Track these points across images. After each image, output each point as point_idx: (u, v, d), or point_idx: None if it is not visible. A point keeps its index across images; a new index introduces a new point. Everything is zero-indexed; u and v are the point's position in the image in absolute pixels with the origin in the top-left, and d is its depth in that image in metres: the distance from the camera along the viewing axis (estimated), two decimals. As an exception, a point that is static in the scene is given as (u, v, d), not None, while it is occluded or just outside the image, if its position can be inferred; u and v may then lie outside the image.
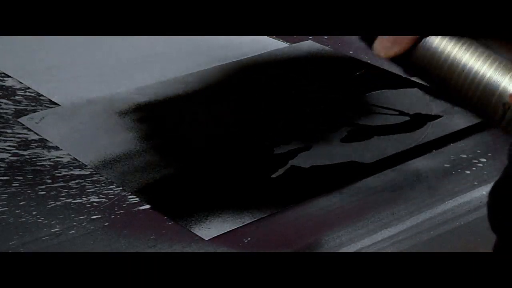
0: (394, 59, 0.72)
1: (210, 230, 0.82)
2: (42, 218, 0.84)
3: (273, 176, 0.91)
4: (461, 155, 0.95)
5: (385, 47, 0.72)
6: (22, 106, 1.05)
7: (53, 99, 1.07)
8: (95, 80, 1.12)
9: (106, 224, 0.83)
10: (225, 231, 0.82)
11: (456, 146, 0.97)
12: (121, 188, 0.88)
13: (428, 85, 0.73)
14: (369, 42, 0.73)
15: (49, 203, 0.86)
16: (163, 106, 1.06)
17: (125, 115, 1.03)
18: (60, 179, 0.90)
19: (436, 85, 0.72)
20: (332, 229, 0.83)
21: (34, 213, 0.84)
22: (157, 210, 0.85)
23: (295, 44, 1.23)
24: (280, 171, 0.92)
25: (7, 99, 1.06)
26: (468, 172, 0.92)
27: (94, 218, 0.84)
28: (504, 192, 0.57)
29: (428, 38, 0.70)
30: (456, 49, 0.69)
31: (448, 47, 0.69)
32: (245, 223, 0.83)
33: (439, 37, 0.69)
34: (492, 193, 0.58)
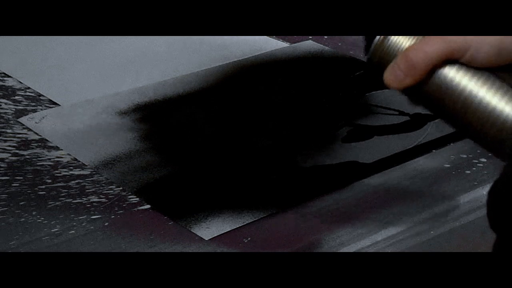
0: (405, 91, 0.70)
1: (210, 230, 0.82)
2: (42, 218, 0.84)
3: (273, 176, 0.91)
4: (461, 155, 0.95)
5: (397, 78, 0.69)
6: (22, 106, 1.05)
7: (53, 99, 1.07)
8: (95, 80, 1.12)
9: (106, 224, 0.83)
10: (225, 231, 0.82)
11: (456, 146, 0.97)
12: (121, 188, 0.88)
13: (439, 118, 0.71)
14: (380, 72, 0.71)
15: (49, 203, 0.86)
16: (163, 106, 1.06)
17: (125, 115, 1.03)
18: (60, 179, 0.90)
19: (449, 118, 0.70)
20: (332, 229, 0.83)
21: (34, 213, 0.84)
22: (157, 210, 0.85)
23: (295, 44, 1.23)
24: (280, 171, 0.92)
25: (7, 99, 1.07)
26: (468, 172, 0.92)
27: (94, 218, 0.84)
28: (504, 190, 0.57)
29: (442, 69, 0.68)
30: (472, 83, 0.67)
31: (463, 81, 0.67)
32: (245, 223, 0.83)
33: (454, 69, 0.67)
34: (491, 192, 0.58)
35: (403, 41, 0.69)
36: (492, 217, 0.57)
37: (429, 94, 0.68)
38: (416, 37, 0.69)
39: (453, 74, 0.67)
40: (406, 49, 0.69)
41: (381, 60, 0.70)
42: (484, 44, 0.66)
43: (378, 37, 0.70)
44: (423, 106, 0.71)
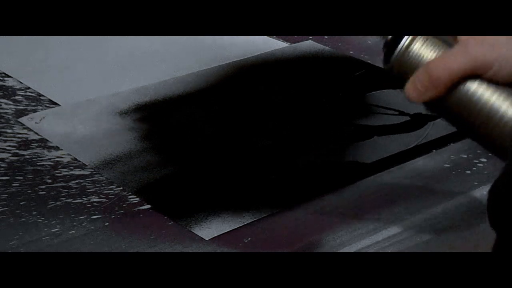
0: (426, 103, 0.70)
1: (210, 230, 0.82)
2: (42, 218, 0.84)
3: (273, 176, 0.91)
4: (461, 155, 0.95)
5: (418, 91, 0.69)
6: (23, 106, 1.05)
7: (53, 99, 1.07)
8: (95, 80, 1.12)
9: (106, 224, 0.83)
10: (225, 231, 0.82)
11: (456, 146, 0.97)
12: (121, 188, 0.88)
13: (459, 131, 0.71)
14: (399, 83, 0.71)
15: (49, 203, 0.86)
16: (163, 106, 1.06)
17: (125, 115, 1.03)
18: (60, 179, 0.90)
19: (469, 132, 0.70)
20: (332, 229, 0.83)
21: (34, 213, 0.84)
22: (157, 210, 0.85)
23: (295, 44, 1.23)
24: (280, 171, 0.92)
25: (7, 99, 1.07)
26: (468, 172, 0.92)
27: (94, 218, 0.84)
28: (504, 189, 0.57)
29: (463, 84, 0.68)
30: (494, 99, 0.67)
31: (484, 96, 0.67)
32: (245, 223, 0.83)
33: (475, 84, 0.67)
34: (492, 190, 0.58)
35: (425, 54, 0.69)
36: (492, 215, 0.57)
37: (449, 107, 0.69)
38: (438, 50, 0.69)
39: (475, 90, 0.67)
40: (428, 62, 0.68)
41: (401, 71, 0.70)
42: (506, 62, 0.66)
43: (399, 47, 0.69)
44: (442, 117, 0.71)
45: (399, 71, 0.70)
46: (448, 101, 0.69)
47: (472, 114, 0.68)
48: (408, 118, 1.03)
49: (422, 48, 0.69)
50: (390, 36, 0.70)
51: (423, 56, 0.69)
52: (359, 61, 1.18)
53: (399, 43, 0.70)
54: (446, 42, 0.69)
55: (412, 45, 0.69)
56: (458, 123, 0.70)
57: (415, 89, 0.69)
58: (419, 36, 0.69)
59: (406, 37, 0.69)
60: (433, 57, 0.69)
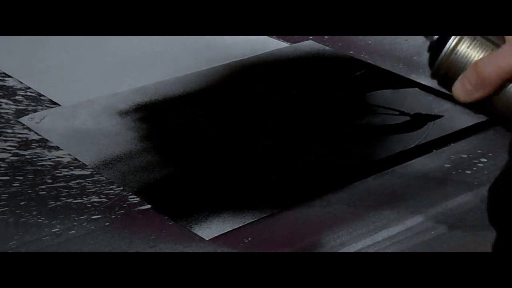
0: (475, 104, 0.69)
1: (210, 230, 0.82)
2: (43, 218, 0.84)
3: (273, 176, 0.91)
4: (461, 155, 0.95)
5: (467, 91, 0.68)
6: (23, 106, 1.05)
7: (53, 99, 1.07)
8: (95, 80, 1.12)
9: (107, 224, 0.83)
10: (225, 231, 0.82)
11: (456, 146, 0.97)
12: (121, 188, 0.88)
13: (508, 130, 0.71)
14: (446, 85, 0.70)
15: (50, 203, 0.86)
16: (163, 106, 1.06)
17: (125, 115, 1.03)
18: (61, 179, 0.90)
19: None
20: (332, 229, 0.83)
21: (34, 213, 0.84)
22: (158, 210, 0.85)
23: (295, 44, 1.23)
24: (280, 171, 0.92)
25: (8, 99, 1.07)
26: (468, 172, 0.92)
27: (94, 218, 0.84)
28: (504, 188, 0.57)
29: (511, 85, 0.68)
30: None
31: None
32: (245, 223, 0.83)
33: None
34: (493, 187, 0.58)
35: (472, 54, 0.69)
36: (492, 213, 0.57)
37: (498, 107, 0.68)
38: (485, 50, 0.68)
39: None
40: (477, 62, 0.68)
41: (448, 72, 0.70)
42: None
43: (446, 48, 0.69)
44: (490, 117, 0.71)
45: (446, 72, 0.70)
46: (497, 101, 0.68)
47: None
48: (408, 118, 1.03)
49: (469, 49, 0.69)
50: (436, 37, 0.70)
51: (470, 56, 0.69)
52: (359, 61, 1.18)
53: (445, 44, 0.69)
54: (493, 42, 0.69)
55: (459, 46, 0.69)
56: (507, 123, 0.70)
57: (464, 89, 0.68)
58: (466, 36, 0.68)
59: (453, 37, 0.69)
60: (480, 57, 0.68)
